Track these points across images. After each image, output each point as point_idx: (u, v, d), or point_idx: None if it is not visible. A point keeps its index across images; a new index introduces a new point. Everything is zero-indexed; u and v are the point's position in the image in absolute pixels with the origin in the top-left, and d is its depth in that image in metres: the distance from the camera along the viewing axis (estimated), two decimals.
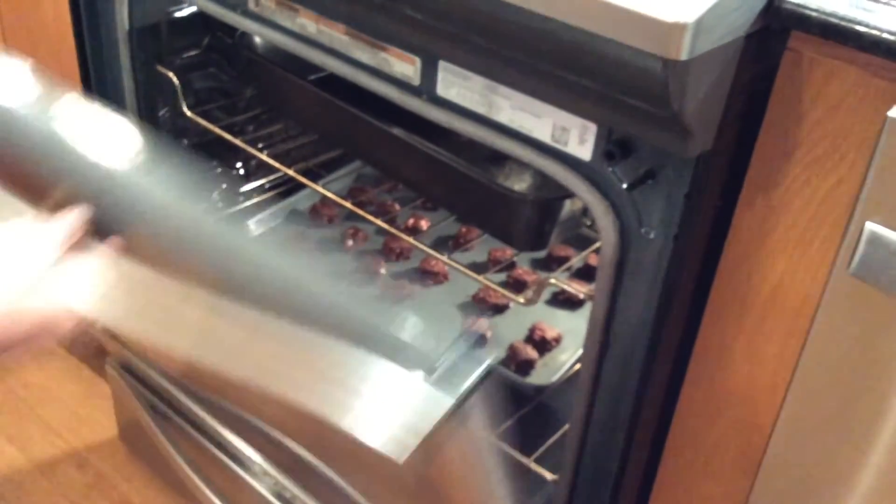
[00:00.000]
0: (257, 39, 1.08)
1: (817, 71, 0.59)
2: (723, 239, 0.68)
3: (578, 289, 0.90)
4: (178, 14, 1.09)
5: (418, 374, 0.54)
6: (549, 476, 0.89)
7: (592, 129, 0.68)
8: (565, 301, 1.10)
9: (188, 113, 1.10)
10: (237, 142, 1.13)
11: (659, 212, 0.68)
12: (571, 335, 1.04)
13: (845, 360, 0.63)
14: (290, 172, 1.13)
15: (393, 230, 1.05)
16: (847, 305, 0.61)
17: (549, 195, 0.86)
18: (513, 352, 1.01)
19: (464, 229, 1.19)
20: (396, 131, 0.92)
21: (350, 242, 1.20)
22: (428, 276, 1.15)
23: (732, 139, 0.64)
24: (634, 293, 0.73)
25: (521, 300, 0.89)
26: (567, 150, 0.71)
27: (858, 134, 0.59)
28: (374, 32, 0.78)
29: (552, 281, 0.86)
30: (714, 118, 0.60)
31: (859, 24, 0.55)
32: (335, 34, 0.81)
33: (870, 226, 0.56)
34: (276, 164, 1.14)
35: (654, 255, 0.70)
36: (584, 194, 0.71)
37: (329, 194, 1.10)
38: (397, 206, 1.26)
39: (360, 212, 1.07)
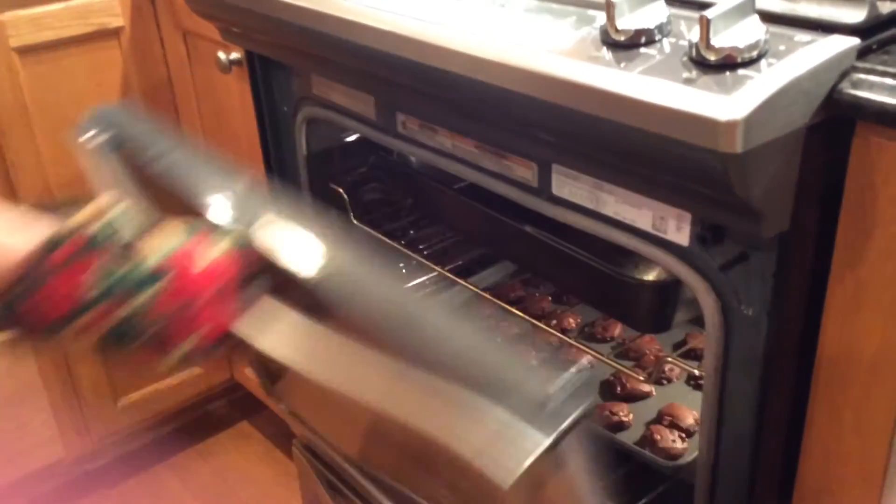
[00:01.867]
0: (413, 157, 1.24)
1: (885, 153, 0.63)
2: (820, 314, 0.72)
3: (687, 366, 0.94)
4: (347, 139, 1.28)
5: (528, 409, 0.60)
6: None
7: (687, 217, 0.76)
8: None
9: (355, 222, 1.27)
10: (397, 246, 1.28)
11: (754, 290, 0.73)
12: None
13: None
14: (445, 273, 1.27)
15: (543, 326, 1.14)
16: None
17: (669, 279, 0.92)
18: (650, 434, 1.06)
19: (603, 321, 1.26)
20: (528, 228, 1.03)
21: (500, 339, 1.30)
22: (571, 364, 1.22)
23: (814, 219, 0.69)
24: (741, 367, 0.77)
25: (642, 378, 0.95)
26: (667, 238, 0.78)
27: None
28: (497, 144, 0.90)
29: (668, 359, 0.91)
30: (786, 201, 0.66)
31: None
32: (466, 147, 0.94)
33: None
34: (431, 265, 1.27)
35: (755, 330, 0.74)
36: (686, 276, 0.78)
37: (481, 293, 1.21)
38: (548, 299, 1.35)
39: (512, 310, 1.17)
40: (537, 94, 0.70)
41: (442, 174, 1.08)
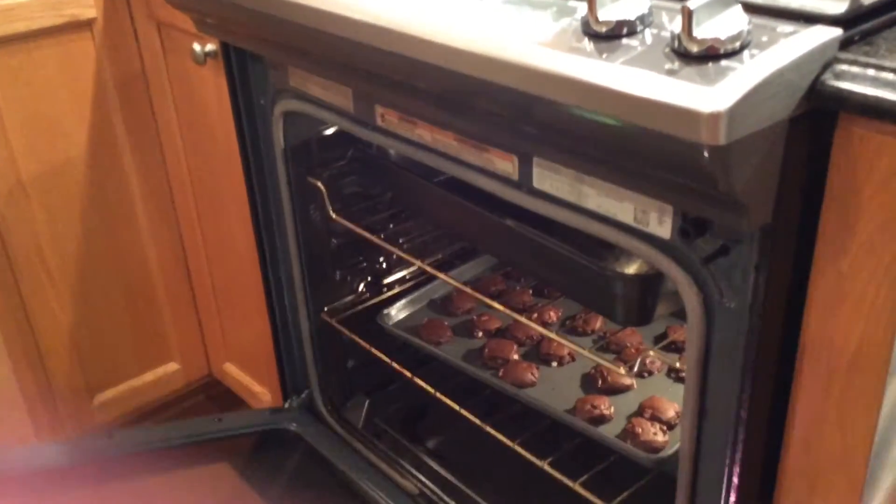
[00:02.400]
0: (392, 150, 1.22)
1: (868, 146, 0.63)
2: (802, 307, 0.72)
3: (668, 359, 0.94)
4: (325, 132, 1.26)
5: None
6: None
7: (668, 210, 0.75)
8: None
9: (334, 216, 1.25)
10: (377, 240, 1.27)
11: (736, 283, 0.73)
12: None
13: None
14: (424, 266, 1.26)
15: (524, 320, 1.14)
16: None
17: (650, 272, 0.92)
18: (631, 427, 1.05)
19: (584, 315, 1.26)
20: (509, 222, 1.02)
21: (480, 333, 1.29)
22: (552, 357, 1.21)
23: (796, 212, 0.69)
24: (723, 360, 0.77)
25: (623, 371, 0.95)
26: (648, 231, 0.77)
27: None
28: (477, 137, 0.89)
29: (650, 352, 0.90)
30: (769, 194, 0.66)
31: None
32: (446, 140, 0.93)
33: None
34: (411, 259, 1.26)
35: (737, 323, 0.74)
36: (668, 269, 0.77)
37: (462, 287, 1.20)
38: (529, 292, 1.34)
39: (493, 304, 1.16)
40: (518, 86, 0.69)
41: (422, 167, 1.07)
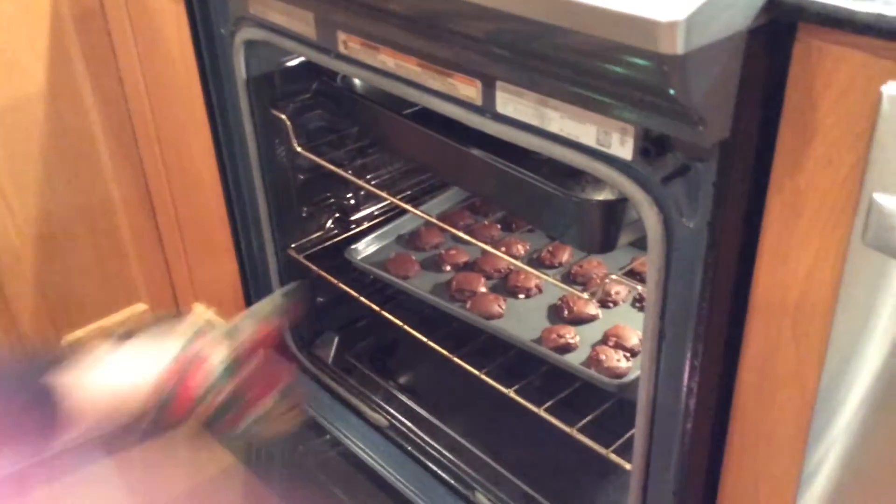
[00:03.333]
0: (357, 81, 1.21)
1: (826, 58, 0.63)
2: (760, 224, 0.72)
3: (630, 283, 0.95)
4: (288, 63, 1.24)
5: None
6: (626, 466, 0.94)
7: (630, 130, 0.75)
8: None
9: (299, 150, 1.24)
10: (345, 174, 1.26)
11: (695, 202, 0.73)
12: None
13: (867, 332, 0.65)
14: (394, 200, 1.25)
15: (492, 250, 1.14)
16: (864, 277, 0.64)
17: (614, 198, 0.92)
18: (595, 355, 1.07)
19: (550, 247, 1.26)
20: (475, 152, 1.02)
21: (448, 267, 1.29)
22: (519, 290, 1.22)
23: (754, 127, 0.69)
24: (682, 279, 0.77)
25: (587, 296, 0.95)
26: (611, 152, 0.77)
27: (869, 113, 0.62)
28: (440, 62, 0.88)
29: (613, 277, 0.91)
30: (727, 108, 0.66)
31: (855, 10, 0.59)
32: (409, 66, 0.92)
33: (877, 196, 0.60)
34: (381, 193, 1.26)
35: (695, 242, 0.75)
36: (629, 190, 0.77)
37: (432, 219, 1.20)
38: (497, 227, 1.35)
39: (463, 235, 1.16)
40: (478, 0, 0.68)
41: (388, 99, 1.06)
